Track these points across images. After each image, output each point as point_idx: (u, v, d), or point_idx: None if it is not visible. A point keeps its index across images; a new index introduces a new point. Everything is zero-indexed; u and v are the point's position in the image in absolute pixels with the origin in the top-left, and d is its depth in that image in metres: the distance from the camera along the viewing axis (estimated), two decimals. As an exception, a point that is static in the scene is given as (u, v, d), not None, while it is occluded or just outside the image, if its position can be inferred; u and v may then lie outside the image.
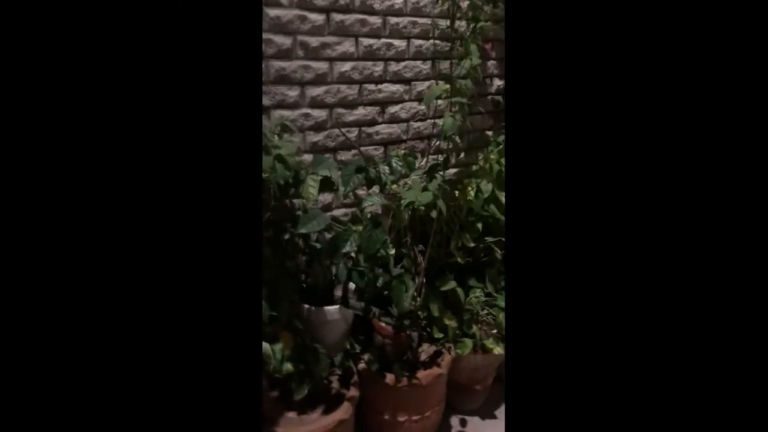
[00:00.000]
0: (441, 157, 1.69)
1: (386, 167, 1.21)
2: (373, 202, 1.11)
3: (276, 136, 1.08)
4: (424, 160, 1.57)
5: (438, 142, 1.52)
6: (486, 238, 1.60)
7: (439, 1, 1.41)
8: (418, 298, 1.45)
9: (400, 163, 1.23)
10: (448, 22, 1.42)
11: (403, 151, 1.45)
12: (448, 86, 1.25)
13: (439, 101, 1.64)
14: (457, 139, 1.38)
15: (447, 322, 1.48)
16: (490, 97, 1.85)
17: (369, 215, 1.24)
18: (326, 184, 1.20)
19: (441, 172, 1.24)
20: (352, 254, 1.21)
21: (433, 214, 1.27)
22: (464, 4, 1.44)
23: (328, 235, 1.25)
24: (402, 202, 1.22)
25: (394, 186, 1.35)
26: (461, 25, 1.45)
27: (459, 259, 1.49)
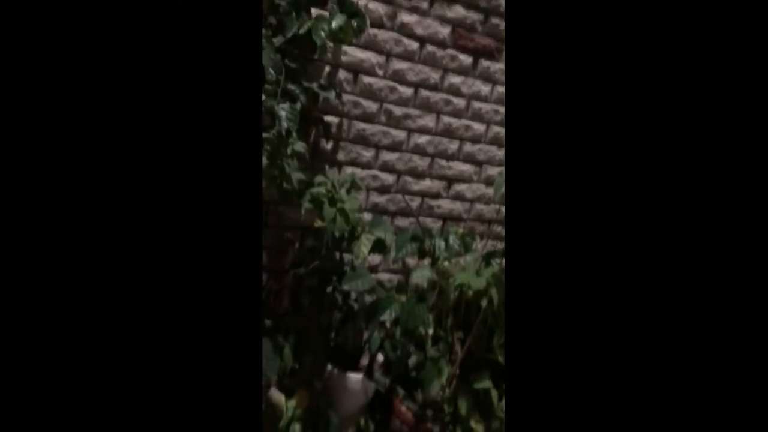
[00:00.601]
0: (499, 245, 1.63)
1: (442, 242, 1.18)
2: (423, 275, 1.06)
3: (343, 190, 1.11)
4: (482, 244, 1.52)
5: (499, 228, 1.48)
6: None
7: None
8: (448, 390, 1.33)
9: (457, 241, 1.19)
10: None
11: (461, 230, 1.42)
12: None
13: (508, 188, 1.62)
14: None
15: (474, 424, 1.32)
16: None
17: (415, 287, 1.19)
18: (379, 245, 1.19)
19: (499, 261, 1.19)
20: (388, 324, 1.15)
21: (483, 302, 1.20)
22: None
23: (368, 299, 1.21)
24: (451, 281, 1.16)
25: (446, 263, 1.31)
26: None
27: (500, 357, 1.37)
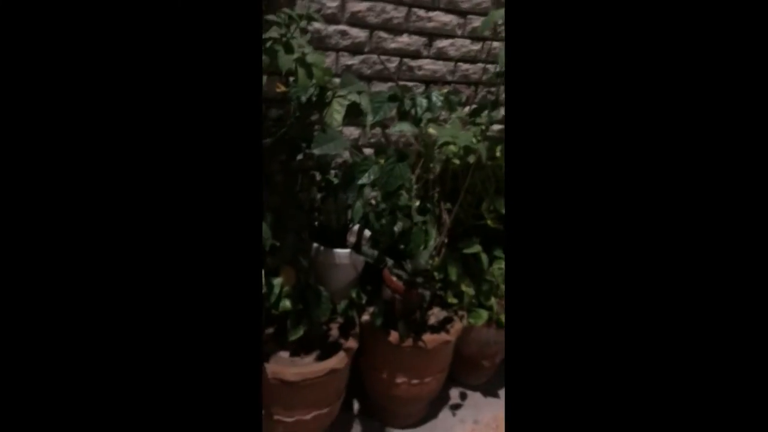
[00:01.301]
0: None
1: (424, 101, 1.04)
2: (402, 129, 0.95)
3: (304, 41, 0.93)
4: (467, 108, 1.38)
5: (485, 91, 1.33)
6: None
7: None
8: (437, 258, 1.32)
9: (440, 99, 1.06)
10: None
11: (446, 90, 1.27)
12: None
13: (495, 44, 1.44)
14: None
15: (464, 288, 1.34)
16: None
17: (394, 148, 1.08)
18: (354, 110, 1.05)
19: (489, 114, 1.07)
20: (368, 191, 1.07)
21: (471, 159, 1.10)
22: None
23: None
24: (437, 141, 1.06)
25: (430, 126, 1.19)
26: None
27: (489, 222, 1.33)
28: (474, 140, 0.99)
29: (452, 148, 1.13)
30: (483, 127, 1.04)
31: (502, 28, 1.12)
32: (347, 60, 1.26)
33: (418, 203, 1.27)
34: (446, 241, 1.33)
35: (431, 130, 1.19)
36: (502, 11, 1.09)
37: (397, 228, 1.08)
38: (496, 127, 1.56)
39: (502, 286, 1.45)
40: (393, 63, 1.34)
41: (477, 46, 1.44)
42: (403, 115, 1.08)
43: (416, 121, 1.06)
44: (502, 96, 1.38)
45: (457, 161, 1.25)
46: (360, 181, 0.90)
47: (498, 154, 1.38)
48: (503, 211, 1.39)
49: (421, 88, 1.41)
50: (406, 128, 0.94)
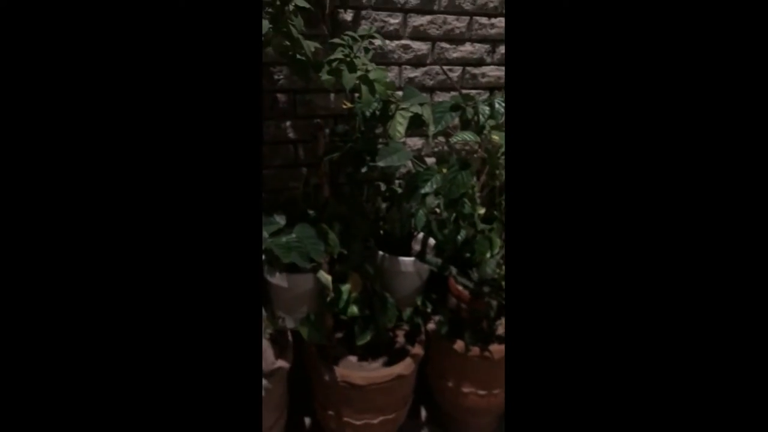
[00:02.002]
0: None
1: (487, 108, 1.04)
2: (464, 138, 0.96)
3: (366, 58, 0.98)
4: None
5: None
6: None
7: None
8: (504, 267, 1.29)
9: (503, 105, 1.05)
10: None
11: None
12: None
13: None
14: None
15: (534, 297, 1.29)
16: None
17: (457, 157, 1.09)
18: (416, 121, 1.08)
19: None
20: (432, 200, 1.08)
21: None
22: None
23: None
24: (500, 152, 1.04)
25: (495, 135, 1.18)
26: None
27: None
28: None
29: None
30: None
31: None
32: (410, 73, 1.30)
33: (483, 211, 1.25)
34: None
35: (495, 137, 1.18)
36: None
37: (460, 236, 1.08)
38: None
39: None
40: (456, 72, 1.35)
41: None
42: (465, 124, 1.09)
43: (479, 129, 1.06)
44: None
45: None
46: (423, 190, 0.92)
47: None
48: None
49: (486, 95, 1.40)
50: (468, 137, 0.94)
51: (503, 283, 1.30)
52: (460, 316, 1.27)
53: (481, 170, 1.24)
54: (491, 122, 1.05)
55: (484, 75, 1.38)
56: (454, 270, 1.19)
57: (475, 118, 1.07)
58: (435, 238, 1.14)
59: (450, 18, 1.28)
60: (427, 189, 0.91)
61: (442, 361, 1.29)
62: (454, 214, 1.03)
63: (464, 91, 1.36)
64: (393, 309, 1.18)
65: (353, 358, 1.23)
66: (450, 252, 1.18)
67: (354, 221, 1.15)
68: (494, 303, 1.24)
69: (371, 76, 0.92)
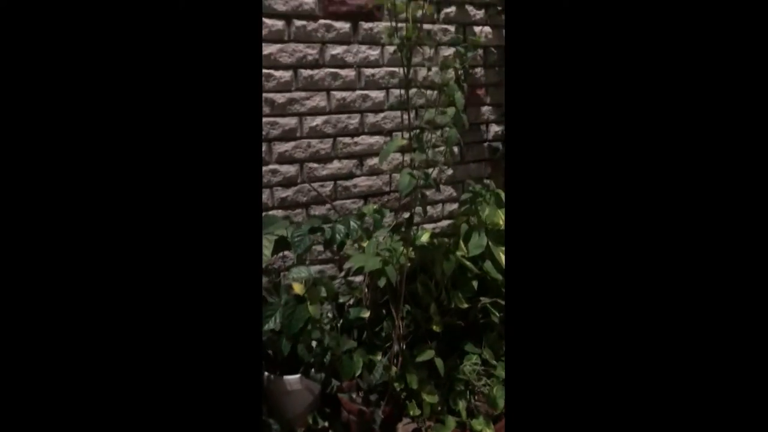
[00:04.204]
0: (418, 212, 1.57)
1: (341, 227, 1.12)
2: (299, 275, 1.01)
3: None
4: (395, 215, 1.46)
5: (407, 199, 1.42)
6: (481, 298, 1.43)
7: (403, 51, 1.33)
8: (394, 368, 1.30)
9: (358, 223, 1.14)
10: (428, 70, 1.35)
11: (374, 206, 1.36)
12: (405, 141, 1.16)
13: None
14: (420, 194, 1.26)
15: (425, 396, 1.30)
16: (486, 144, 1.73)
17: (288, 288, 1.14)
18: (281, 245, 1.14)
19: (404, 230, 1.13)
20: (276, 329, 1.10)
21: (381, 282, 1.15)
22: (448, 53, 1.36)
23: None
24: (350, 267, 1.11)
25: (349, 252, 1.26)
26: (443, 73, 1.38)
27: (435, 327, 1.33)
28: (381, 263, 1.03)
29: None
30: (393, 243, 1.09)
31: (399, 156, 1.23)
32: (281, 193, 1.38)
33: (367, 314, 1.29)
34: (404, 347, 1.32)
35: (348, 251, 1.26)
36: (396, 143, 1.20)
37: (326, 359, 1.09)
38: (445, 222, 1.62)
39: (477, 384, 1.40)
40: (328, 187, 1.45)
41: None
42: (328, 242, 1.16)
43: (339, 247, 1.13)
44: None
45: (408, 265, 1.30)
46: (266, 327, 0.94)
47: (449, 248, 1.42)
48: (463, 306, 1.39)
49: (360, 203, 1.50)
50: (302, 273, 1.00)
51: (396, 385, 1.30)
52: (350, 429, 1.24)
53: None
54: (346, 240, 1.12)
55: (356, 186, 1.49)
56: (335, 384, 1.18)
57: (334, 236, 1.14)
58: (304, 359, 1.15)
59: (314, 141, 1.40)
60: (271, 325, 0.94)
61: (340, 482, 1.23)
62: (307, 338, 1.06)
63: (338, 202, 1.46)
64: (277, 436, 1.13)
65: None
66: (326, 365, 1.18)
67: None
68: (379, 411, 1.23)
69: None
